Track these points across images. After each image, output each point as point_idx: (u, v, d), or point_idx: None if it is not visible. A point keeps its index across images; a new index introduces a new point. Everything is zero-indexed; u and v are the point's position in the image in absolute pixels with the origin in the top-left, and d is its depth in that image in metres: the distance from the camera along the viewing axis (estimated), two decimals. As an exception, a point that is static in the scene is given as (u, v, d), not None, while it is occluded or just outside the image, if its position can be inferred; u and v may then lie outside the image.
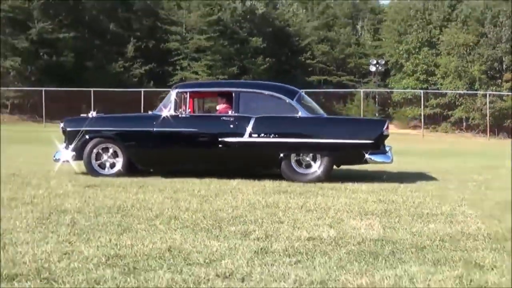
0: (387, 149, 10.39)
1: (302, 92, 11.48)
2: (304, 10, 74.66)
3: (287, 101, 10.40)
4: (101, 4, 58.54)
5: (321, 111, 11.31)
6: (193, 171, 10.28)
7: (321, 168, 10.05)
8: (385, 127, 10.31)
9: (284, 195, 8.07)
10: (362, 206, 7.21)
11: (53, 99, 41.81)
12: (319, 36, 68.52)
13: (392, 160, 10.43)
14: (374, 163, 10.40)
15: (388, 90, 59.05)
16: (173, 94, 10.57)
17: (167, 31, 57.64)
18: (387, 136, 10.38)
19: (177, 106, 10.47)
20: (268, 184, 9.24)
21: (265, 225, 5.91)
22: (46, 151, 13.85)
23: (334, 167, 10.36)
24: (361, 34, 72.94)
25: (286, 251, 4.83)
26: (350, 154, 10.32)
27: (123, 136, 10.46)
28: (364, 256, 4.73)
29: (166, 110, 10.41)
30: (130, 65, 54.85)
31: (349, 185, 9.26)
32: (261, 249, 4.86)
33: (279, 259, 4.57)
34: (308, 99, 11.62)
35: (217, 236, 5.36)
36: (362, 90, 52.78)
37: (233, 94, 10.44)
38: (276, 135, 10.07)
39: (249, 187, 8.81)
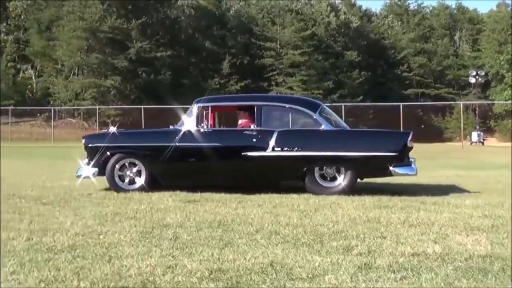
0: (411, 160, 10.21)
1: (324, 105, 11.25)
2: (399, 22, 73.75)
3: (310, 114, 10.33)
4: (196, 23, 59.68)
5: (343, 123, 11.19)
6: (216, 186, 10.20)
7: (345, 181, 9.92)
8: (409, 139, 10.09)
9: (385, 210, 7.88)
10: (467, 221, 6.94)
11: (151, 116, 42.78)
12: (416, 48, 67.58)
13: (416, 172, 10.18)
14: (398, 175, 10.21)
15: (489, 102, 57.40)
16: (195, 108, 10.51)
17: (261, 47, 58.19)
18: (411, 148, 10.19)
19: (199, 121, 10.43)
20: (367, 199, 9.07)
21: (367, 240, 5.78)
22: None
23: (358, 180, 10.19)
24: (459, 45, 71.47)
25: (391, 267, 4.70)
26: (374, 167, 10.13)
27: (145, 151, 10.43)
28: (472, 273, 4.54)
29: (188, 125, 10.39)
30: (225, 82, 55.66)
31: (452, 200, 8.97)
32: (364, 264, 4.75)
33: (383, 275, 4.45)
34: (329, 111, 11.35)
35: (319, 251, 5.27)
36: (461, 103, 51.44)
37: (255, 108, 10.35)
38: (300, 149, 9.98)
39: (349, 202, 8.66)
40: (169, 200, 8.76)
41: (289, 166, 10.12)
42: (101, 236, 5.90)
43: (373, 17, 76.82)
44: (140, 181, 10.28)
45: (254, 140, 10.05)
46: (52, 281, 4.19)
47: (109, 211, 7.67)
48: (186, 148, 10.27)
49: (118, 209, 7.87)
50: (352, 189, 9.82)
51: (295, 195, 9.39)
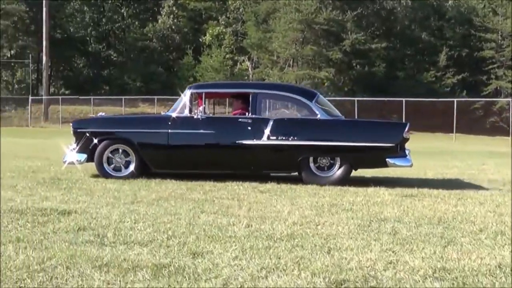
0: (406, 152, 9.95)
1: (319, 94, 10.90)
2: None
3: (306, 103, 10.12)
4: (413, 13, 58.49)
5: (339, 113, 10.82)
6: (208, 174, 10.07)
7: (340, 171, 9.82)
8: (406, 130, 9.88)
9: None
10: None
11: (365, 108, 42.59)
12: None
13: (411, 164, 9.96)
14: (394, 166, 10.06)
15: None
16: (187, 94, 10.20)
17: (481, 38, 55.53)
18: (407, 139, 9.99)
19: (191, 107, 10.16)
20: None
21: None
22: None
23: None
24: None
25: None
26: (370, 157, 10.02)
27: (136, 137, 10.13)
28: None
29: (180, 111, 10.14)
30: (442, 75, 53.89)
31: None
32: None
33: None
34: (325, 101, 11.04)
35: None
36: None
37: (251, 96, 10.07)
38: (295, 138, 9.77)
39: None
40: (385, 194, 8.59)
41: (284, 155, 9.95)
42: (318, 227, 5.90)
43: None
44: (130, 167, 10.11)
45: (249, 128, 9.87)
46: (273, 269, 4.23)
47: (325, 202, 7.68)
48: (178, 134, 10.07)
49: (334, 200, 7.86)
50: (347, 180, 9.70)
51: None
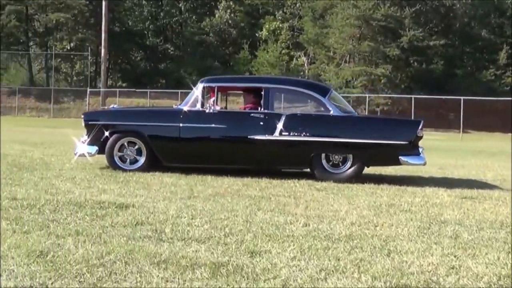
0: (420, 150, 9.79)
1: (332, 89, 10.83)
2: None
3: (319, 98, 10.01)
4: (473, 10, 57.42)
5: (352, 109, 10.76)
6: (219, 169, 9.98)
7: (353, 168, 9.71)
8: (419, 127, 9.73)
9: None
10: None
11: (421, 106, 42.00)
12: None
13: (425, 162, 9.79)
14: (407, 164, 9.87)
15: None
16: (199, 88, 10.08)
17: (543, 36, 54.15)
18: (421, 137, 9.85)
19: (204, 101, 10.05)
20: None
21: None
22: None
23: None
24: None
25: None
26: (382, 155, 9.89)
27: (148, 130, 10.05)
28: None
29: (192, 105, 10.05)
30: (501, 73, 52.80)
31: None
32: None
33: None
34: (339, 97, 10.99)
35: None
36: None
37: (263, 90, 9.98)
38: (308, 134, 9.68)
39: None
40: (444, 195, 8.41)
41: (296, 151, 9.89)
42: (377, 228, 5.80)
43: None
44: (141, 161, 10.09)
45: (261, 123, 9.77)
46: (332, 270, 4.16)
47: (383, 201, 7.56)
48: (189, 128, 10.00)
49: (392, 200, 7.74)
50: (359, 176, 9.63)
51: None
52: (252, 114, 10.00)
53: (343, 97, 13.59)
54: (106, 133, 10.09)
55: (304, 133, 9.71)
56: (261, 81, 11.21)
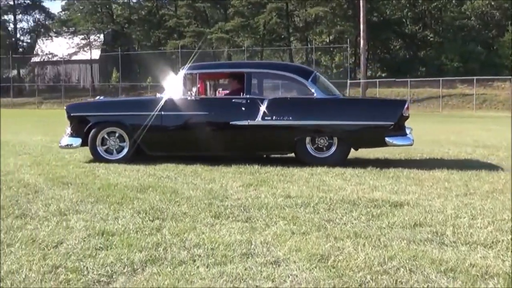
0: (407, 131, 9.68)
1: (317, 72, 10.45)
2: None
3: (302, 81, 9.87)
4: None
5: (337, 91, 10.57)
6: (203, 157, 9.94)
7: (338, 152, 9.68)
8: (405, 107, 9.63)
9: None
10: None
11: None
12: None
13: (412, 142, 9.69)
14: (394, 145, 9.75)
15: None
16: (181, 75, 10.05)
17: None
18: (407, 117, 9.73)
19: (185, 88, 10.01)
20: None
21: None
22: None
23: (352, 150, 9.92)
24: None
25: None
26: (368, 137, 9.77)
27: (129, 120, 10.04)
28: None
29: (174, 93, 10.01)
30: None
31: None
32: None
33: None
34: (323, 79, 10.71)
35: None
36: None
37: (245, 75, 9.85)
38: (291, 118, 9.59)
39: None
40: None
41: (279, 136, 9.76)
42: None
43: None
44: (124, 151, 10.13)
45: (244, 108, 9.70)
46: None
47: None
48: (172, 116, 9.95)
49: None
50: (345, 160, 9.57)
51: None
52: (234, 100, 9.96)
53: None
54: (89, 124, 10.25)
55: (287, 117, 9.64)
56: (242, 66, 11.26)
